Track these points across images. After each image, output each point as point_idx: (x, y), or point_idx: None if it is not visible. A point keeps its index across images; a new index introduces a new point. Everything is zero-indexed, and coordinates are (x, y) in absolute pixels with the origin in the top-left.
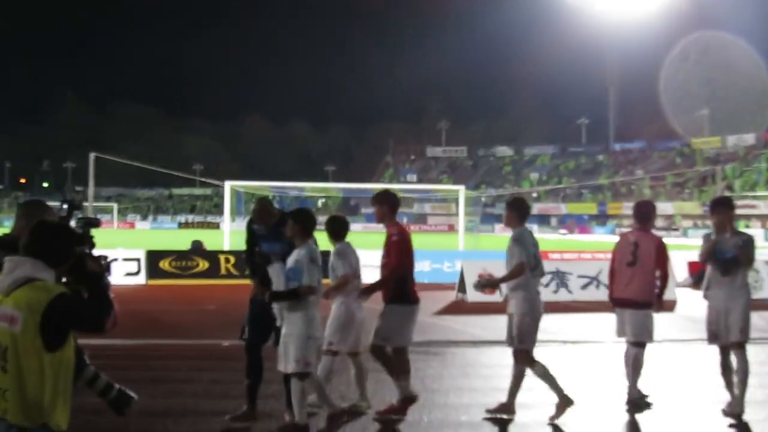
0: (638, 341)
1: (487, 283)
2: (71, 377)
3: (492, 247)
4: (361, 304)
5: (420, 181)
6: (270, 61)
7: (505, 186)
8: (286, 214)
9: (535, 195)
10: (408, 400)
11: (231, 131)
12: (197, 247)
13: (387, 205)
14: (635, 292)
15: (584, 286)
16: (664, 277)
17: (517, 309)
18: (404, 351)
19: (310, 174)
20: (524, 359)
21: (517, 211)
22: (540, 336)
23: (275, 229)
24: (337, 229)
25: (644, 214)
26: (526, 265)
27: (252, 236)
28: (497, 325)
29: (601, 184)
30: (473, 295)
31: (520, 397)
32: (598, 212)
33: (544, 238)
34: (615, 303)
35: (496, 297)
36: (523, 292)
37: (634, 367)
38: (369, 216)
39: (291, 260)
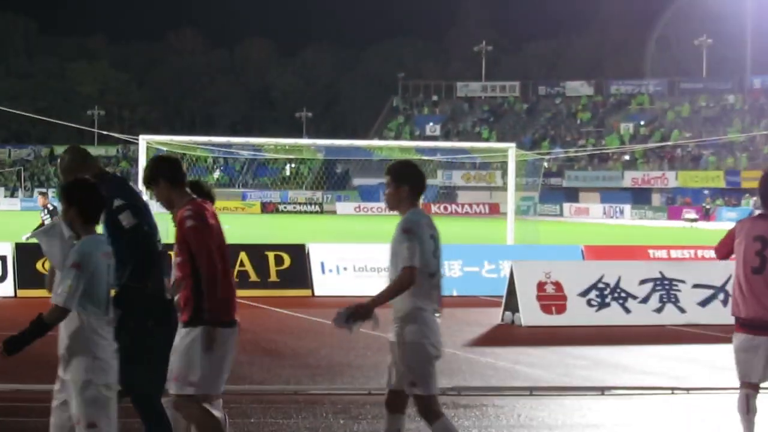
0: None
1: (354, 314)
2: None
3: (559, 240)
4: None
5: (446, 135)
6: None
7: (579, 143)
8: (106, 176)
9: (627, 157)
10: None
11: (148, 57)
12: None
13: (163, 178)
14: None
15: (704, 302)
16: None
17: (408, 336)
18: (198, 404)
19: (272, 123)
20: (424, 406)
21: (409, 183)
22: (629, 379)
23: None
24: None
25: None
26: (418, 271)
27: None
28: (567, 362)
29: (732, 141)
30: (530, 316)
31: None
32: (727, 185)
33: (645, 224)
34: (745, 327)
35: (564, 319)
36: (415, 313)
37: None
38: (366, 190)
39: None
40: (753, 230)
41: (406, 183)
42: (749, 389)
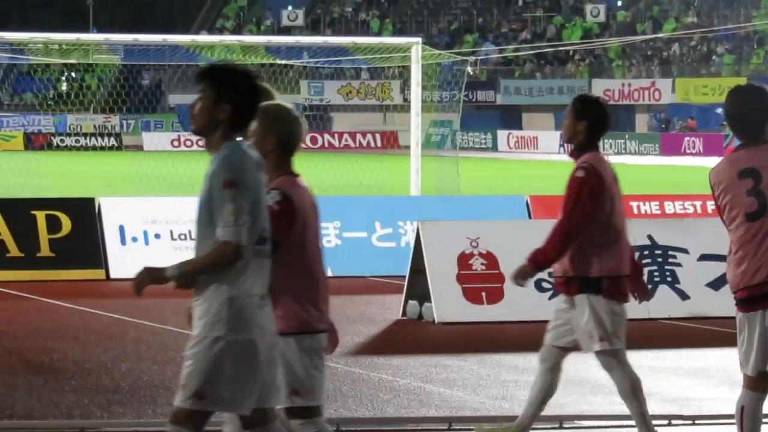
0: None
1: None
2: None
3: (491, 188)
4: None
5: (313, 26)
6: None
7: (521, 36)
8: None
9: (594, 59)
10: None
11: None
12: None
13: None
14: None
15: (717, 282)
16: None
17: None
18: None
19: (42, 11)
20: None
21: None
22: (601, 402)
23: None
24: None
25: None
26: None
27: None
28: (506, 378)
29: (759, 31)
30: (448, 307)
31: None
32: None
33: (625, 162)
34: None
35: (501, 312)
36: None
37: None
38: (185, 111)
39: None
40: (735, 165)
41: None
42: None
